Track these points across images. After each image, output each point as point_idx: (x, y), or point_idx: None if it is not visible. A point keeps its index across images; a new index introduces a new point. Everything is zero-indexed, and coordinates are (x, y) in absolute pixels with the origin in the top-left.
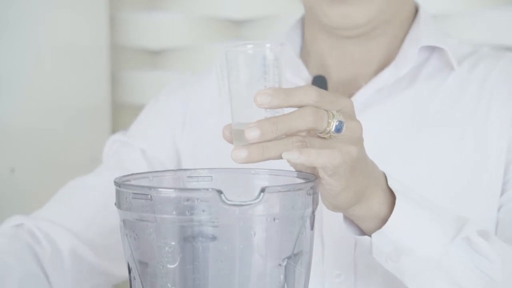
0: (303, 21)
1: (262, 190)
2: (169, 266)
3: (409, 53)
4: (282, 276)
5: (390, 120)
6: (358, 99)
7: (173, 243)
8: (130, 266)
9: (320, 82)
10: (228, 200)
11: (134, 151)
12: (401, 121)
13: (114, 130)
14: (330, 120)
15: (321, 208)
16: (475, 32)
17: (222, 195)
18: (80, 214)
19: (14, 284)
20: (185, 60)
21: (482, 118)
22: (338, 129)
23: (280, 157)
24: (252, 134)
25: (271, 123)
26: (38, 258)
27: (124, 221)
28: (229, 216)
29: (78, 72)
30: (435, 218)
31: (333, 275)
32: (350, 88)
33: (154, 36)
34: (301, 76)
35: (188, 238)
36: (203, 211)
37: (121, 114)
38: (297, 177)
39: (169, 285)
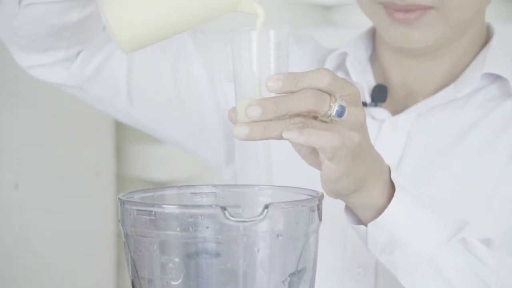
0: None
1: (266, 207)
2: (173, 282)
3: (471, 77)
4: None
5: (437, 136)
6: (413, 112)
7: (177, 259)
8: (134, 283)
9: (381, 90)
10: (232, 217)
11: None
12: (447, 139)
13: (118, 144)
14: (331, 104)
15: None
16: None
17: (226, 212)
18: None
19: None
20: None
21: None
22: (340, 114)
23: (281, 137)
24: (254, 112)
25: (272, 102)
26: None
27: (127, 238)
28: (233, 233)
29: None
30: (434, 217)
31: (354, 272)
32: (408, 101)
33: None
34: (365, 80)
35: (192, 255)
36: (207, 227)
37: (126, 128)
38: (301, 193)
39: None
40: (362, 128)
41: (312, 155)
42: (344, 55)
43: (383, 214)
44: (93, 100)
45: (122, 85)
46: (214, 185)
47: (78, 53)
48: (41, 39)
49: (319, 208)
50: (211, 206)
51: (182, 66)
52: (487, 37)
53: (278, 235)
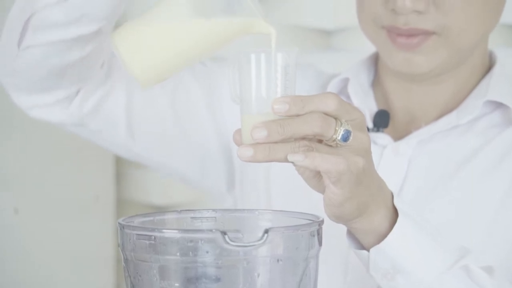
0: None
1: (266, 231)
2: None
3: (473, 104)
4: None
5: (439, 162)
6: (415, 138)
7: (176, 284)
8: None
9: (383, 116)
10: (232, 241)
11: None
12: (448, 165)
13: (118, 168)
14: (337, 128)
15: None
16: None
17: (226, 236)
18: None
19: None
20: None
21: None
22: (345, 138)
23: (286, 160)
24: (259, 134)
25: (278, 124)
26: None
27: (127, 262)
28: (232, 257)
29: None
30: (436, 244)
31: None
32: (410, 126)
33: None
34: (367, 106)
35: (191, 279)
36: (207, 252)
37: None
38: (301, 218)
39: None
40: (366, 154)
41: (315, 179)
42: (346, 81)
43: (385, 239)
44: (93, 136)
45: (122, 120)
46: (214, 210)
47: (78, 91)
48: (42, 80)
49: (319, 233)
50: (211, 230)
51: (181, 96)
52: (489, 64)
53: (278, 260)
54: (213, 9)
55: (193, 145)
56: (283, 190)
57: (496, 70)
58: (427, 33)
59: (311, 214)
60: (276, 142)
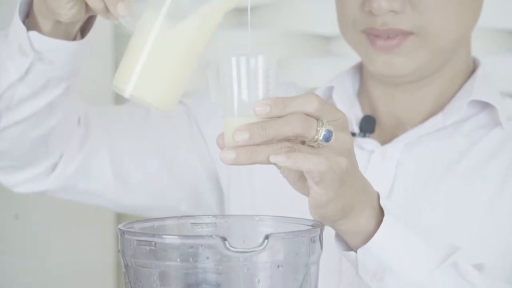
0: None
1: (266, 237)
2: None
3: (458, 105)
4: None
5: (427, 164)
6: (402, 141)
7: None
8: None
9: (369, 121)
10: (232, 247)
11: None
12: (436, 167)
13: None
14: (318, 128)
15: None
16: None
17: (226, 242)
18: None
19: None
20: None
21: None
22: (327, 138)
23: (268, 162)
24: (241, 137)
25: (259, 126)
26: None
27: (127, 268)
28: (233, 263)
29: None
30: (423, 242)
31: None
32: (397, 131)
33: None
34: (353, 113)
35: (192, 285)
36: (207, 258)
37: None
38: (302, 224)
39: None
40: (349, 154)
41: (300, 182)
42: (331, 89)
43: (372, 239)
44: (83, 196)
45: (109, 172)
46: (215, 216)
47: (61, 156)
48: (26, 154)
49: (320, 239)
50: (211, 236)
51: (164, 137)
52: (473, 68)
53: (278, 266)
54: (186, 8)
55: (184, 182)
56: (268, 200)
57: (479, 72)
58: (405, 34)
59: (312, 220)
60: (258, 145)
